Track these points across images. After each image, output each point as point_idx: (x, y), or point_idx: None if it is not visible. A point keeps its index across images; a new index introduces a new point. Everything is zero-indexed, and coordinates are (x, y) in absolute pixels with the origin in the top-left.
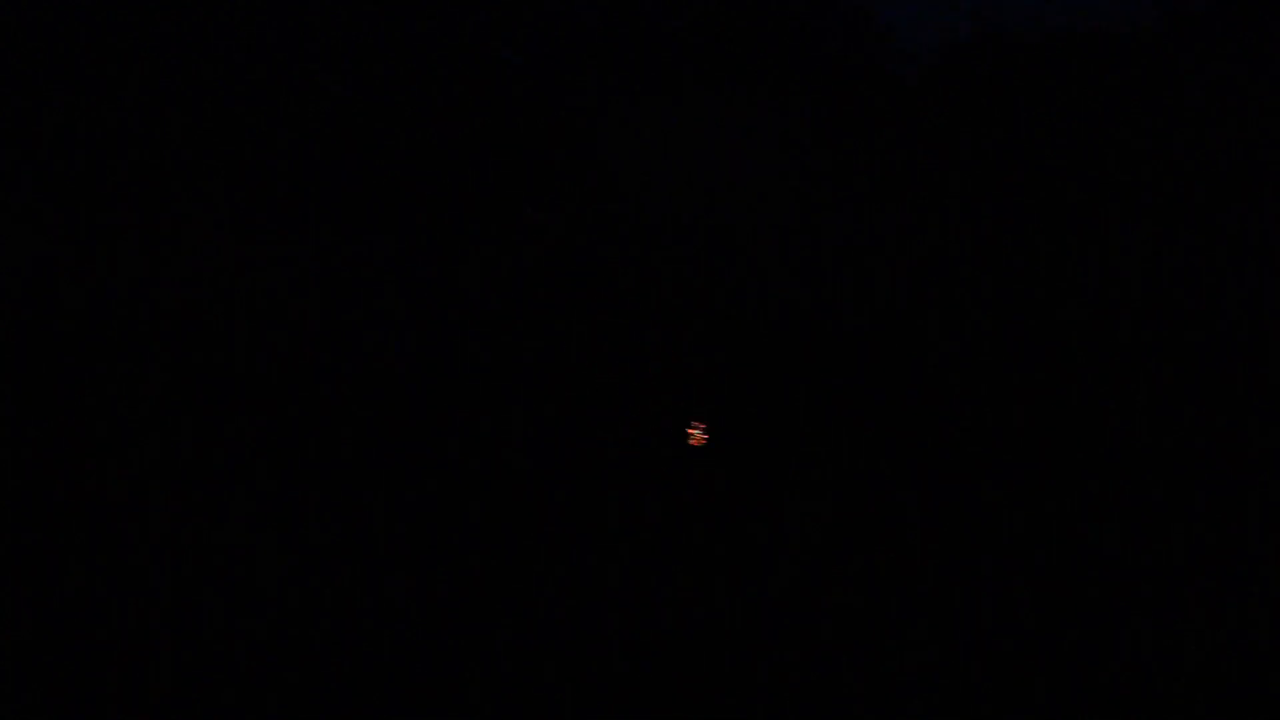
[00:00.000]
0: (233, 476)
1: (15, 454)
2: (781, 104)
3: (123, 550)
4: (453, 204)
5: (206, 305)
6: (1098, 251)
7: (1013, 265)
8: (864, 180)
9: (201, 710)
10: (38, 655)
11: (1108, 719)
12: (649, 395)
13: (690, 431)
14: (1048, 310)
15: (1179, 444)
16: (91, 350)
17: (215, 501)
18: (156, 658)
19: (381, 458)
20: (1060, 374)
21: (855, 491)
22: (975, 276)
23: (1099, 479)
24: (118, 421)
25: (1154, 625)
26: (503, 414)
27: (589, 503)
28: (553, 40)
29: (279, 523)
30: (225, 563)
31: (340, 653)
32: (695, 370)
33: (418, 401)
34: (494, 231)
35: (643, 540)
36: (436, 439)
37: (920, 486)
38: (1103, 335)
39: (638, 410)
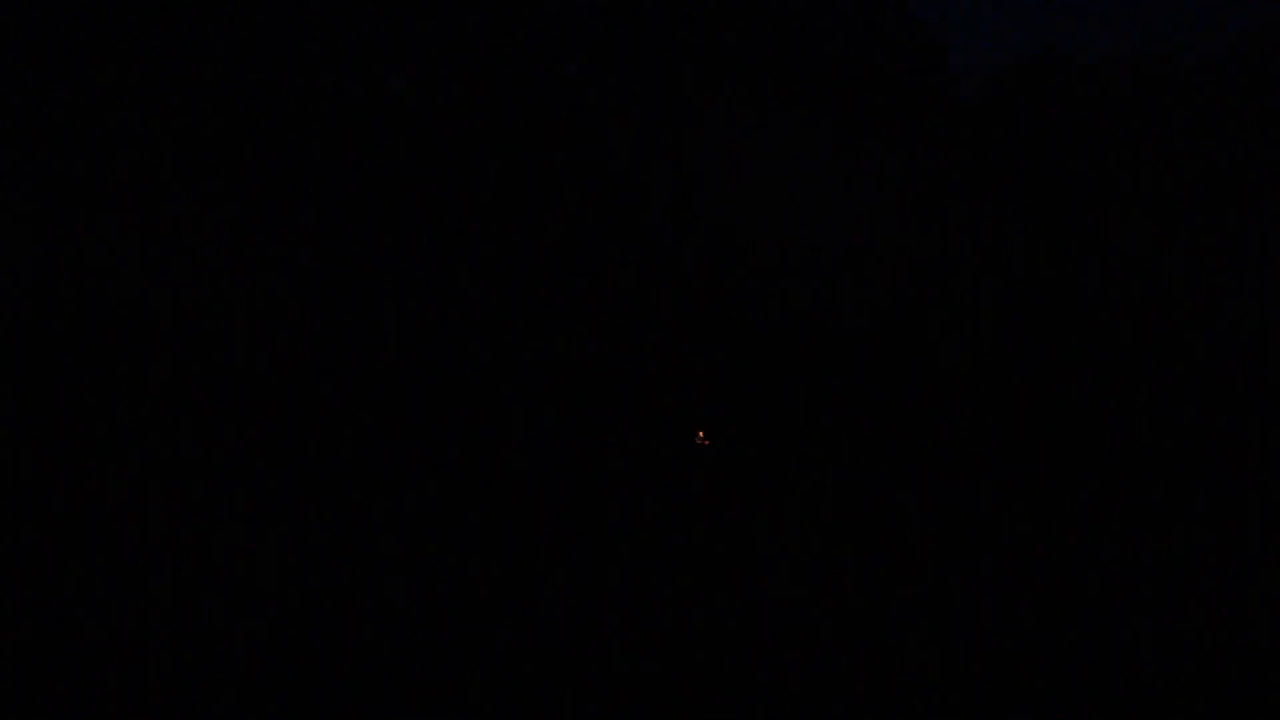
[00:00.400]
0: (233, 476)
1: (15, 454)
2: (832, 119)
3: (123, 550)
4: (456, 204)
5: (206, 305)
6: (1135, 264)
7: (1036, 273)
8: (896, 189)
9: (202, 710)
10: (38, 655)
11: (1108, 719)
12: (650, 396)
13: (700, 435)
14: (1072, 315)
15: (1179, 444)
16: (91, 350)
17: (215, 501)
18: (156, 658)
19: (382, 458)
20: (1061, 374)
21: (855, 491)
22: (988, 282)
23: (1099, 479)
24: (118, 421)
25: (1154, 625)
26: (503, 414)
27: (589, 503)
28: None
29: (279, 523)
30: (225, 563)
31: (340, 653)
32: (697, 371)
33: (418, 402)
34: (495, 232)
35: (643, 540)
36: (437, 439)
37: (920, 486)
38: (1110, 337)
39: (638, 411)
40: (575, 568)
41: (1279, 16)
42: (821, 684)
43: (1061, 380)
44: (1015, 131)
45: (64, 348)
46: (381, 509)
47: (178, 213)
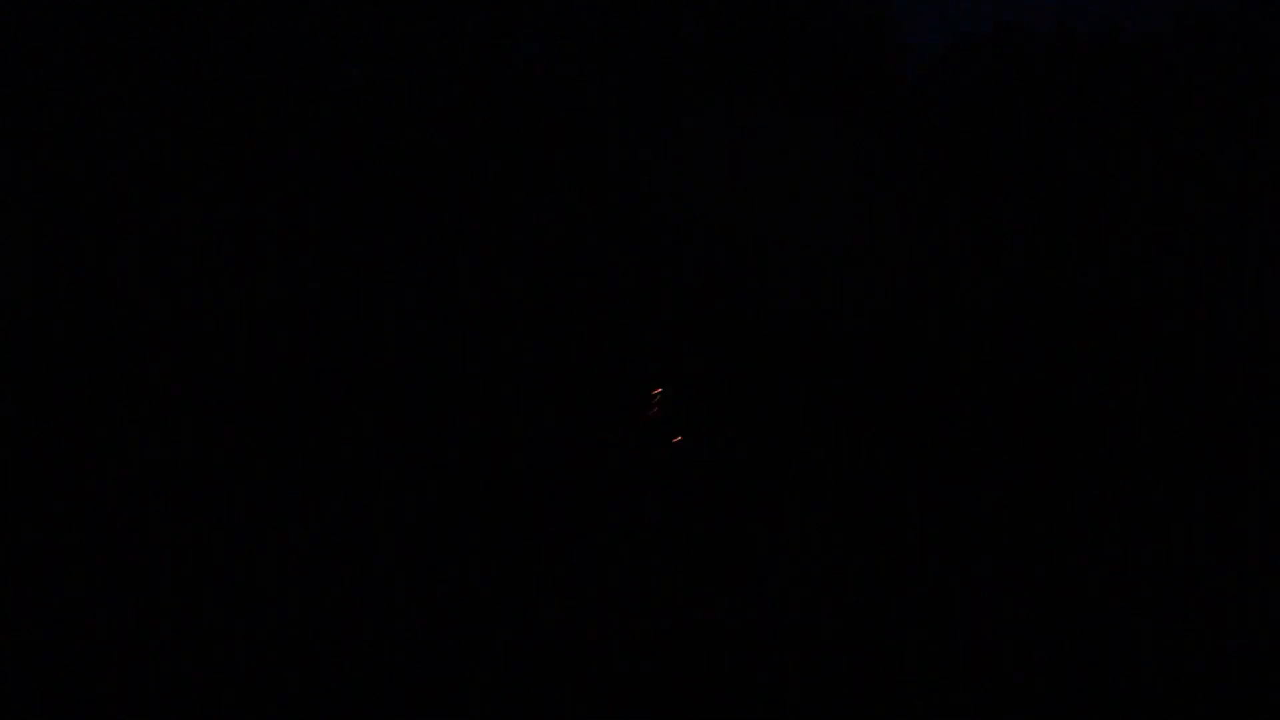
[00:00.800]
0: (232, 477)
1: (15, 454)
2: (789, 103)
3: (123, 550)
4: (455, 203)
5: (204, 304)
6: (1099, 250)
7: (1012, 263)
8: (862, 176)
9: (202, 710)
10: (38, 655)
11: (1108, 719)
12: (649, 395)
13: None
14: (1048, 309)
15: (1179, 444)
16: (90, 351)
17: (215, 502)
18: (156, 658)
19: (381, 458)
20: (1061, 374)
21: (855, 491)
22: (975, 275)
23: (1100, 479)
24: (117, 421)
25: (1154, 625)
26: (503, 415)
27: (589, 503)
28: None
29: (279, 524)
30: (225, 563)
31: (341, 653)
32: (696, 370)
33: (417, 402)
34: (494, 231)
35: (643, 540)
36: (436, 440)
37: (920, 486)
38: (1102, 335)
39: (638, 410)
40: (575, 568)
41: None
42: (821, 684)
43: (1062, 380)
44: (975, 112)
45: (64, 348)
46: (381, 509)
47: (176, 211)
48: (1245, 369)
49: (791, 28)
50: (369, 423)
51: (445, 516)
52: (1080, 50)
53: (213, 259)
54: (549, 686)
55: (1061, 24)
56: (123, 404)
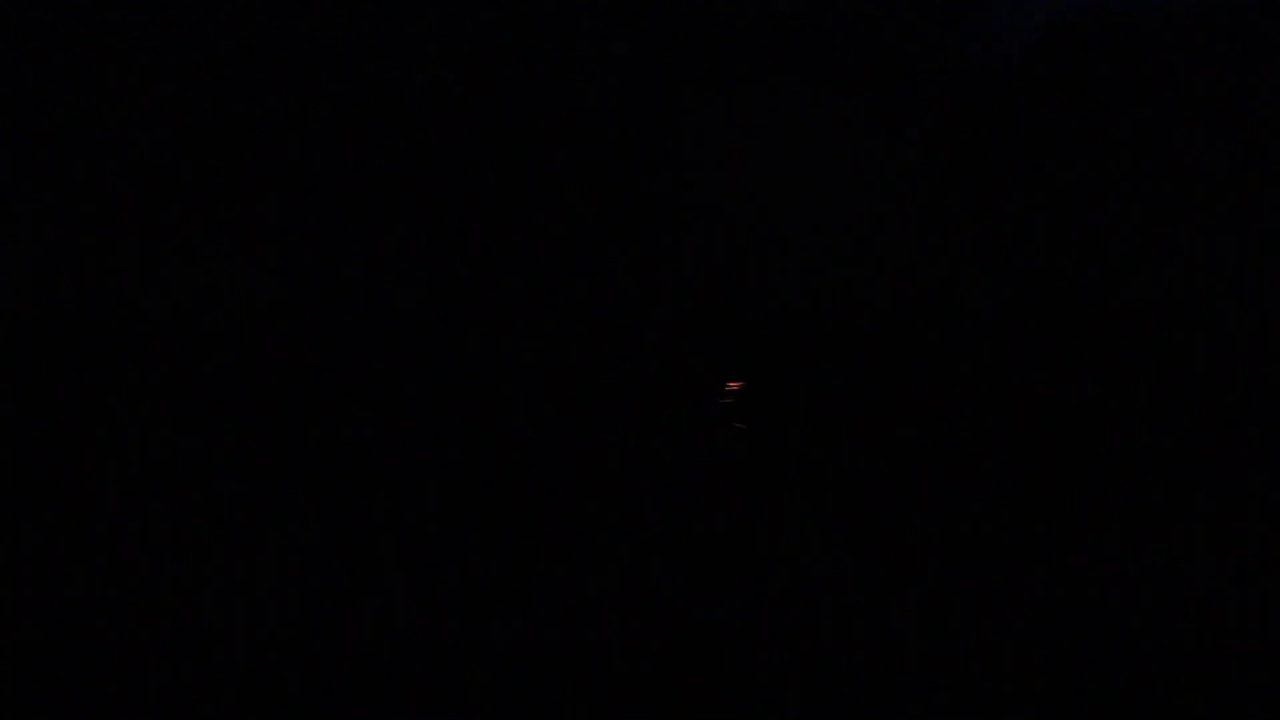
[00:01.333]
0: (232, 477)
1: (15, 454)
2: (861, 98)
3: (123, 550)
4: (456, 203)
5: (204, 306)
6: (1099, 250)
7: (1014, 264)
8: (916, 173)
9: (202, 710)
10: (37, 655)
11: (1108, 719)
12: (650, 393)
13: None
14: (1048, 309)
15: (1179, 444)
16: (90, 351)
17: (214, 502)
18: (156, 658)
19: (381, 458)
20: (1063, 374)
21: (855, 491)
22: (976, 275)
23: (1100, 479)
24: (117, 423)
25: (1154, 626)
26: (503, 414)
27: (589, 503)
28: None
29: (278, 524)
30: (225, 563)
31: (341, 653)
32: (696, 368)
33: (417, 402)
34: (495, 231)
35: (643, 540)
36: (436, 440)
37: (920, 486)
38: (1103, 334)
39: (638, 409)
40: (575, 568)
41: None
42: (822, 684)
43: (1062, 380)
44: (1056, 99)
45: (64, 348)
46: (381, 509)
47: (176, 212)
48: (1245, 369)
49: (865, 13)
50: (369, 423)
51: (445, 516)
52: (1181, 31)
53: (213, 259)
54: (549, 686)
55: (1159, 3)
56: (122, 404)
